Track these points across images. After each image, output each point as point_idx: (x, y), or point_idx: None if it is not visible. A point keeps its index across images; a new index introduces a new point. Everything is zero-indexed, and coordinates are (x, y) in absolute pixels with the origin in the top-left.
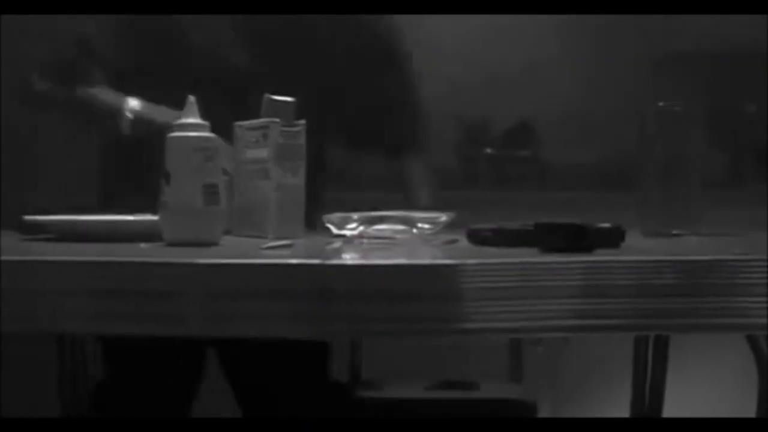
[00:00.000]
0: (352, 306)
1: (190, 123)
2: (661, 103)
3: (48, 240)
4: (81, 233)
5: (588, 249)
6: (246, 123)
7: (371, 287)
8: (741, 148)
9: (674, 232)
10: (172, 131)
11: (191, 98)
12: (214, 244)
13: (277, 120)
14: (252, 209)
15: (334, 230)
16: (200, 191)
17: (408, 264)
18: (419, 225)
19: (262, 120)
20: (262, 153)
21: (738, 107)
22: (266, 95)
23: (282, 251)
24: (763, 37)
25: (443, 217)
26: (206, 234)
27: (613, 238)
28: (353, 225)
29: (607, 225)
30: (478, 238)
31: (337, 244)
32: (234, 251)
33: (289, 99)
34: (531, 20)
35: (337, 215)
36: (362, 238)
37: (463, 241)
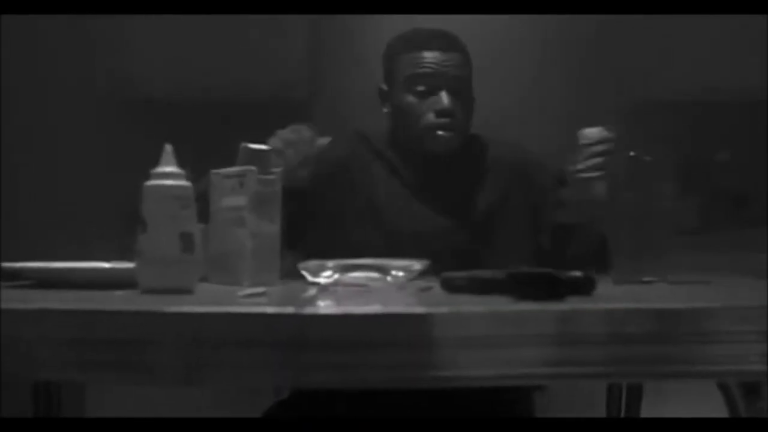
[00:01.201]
0: (327, 354)
1: (167, 171)
2: (631, 153)
3: (25, 287)
4: (57, 280)
5: (560, 297)
6: (222, 171)
7: (346, 336)
8: (712, 195)
9: (645, 279)
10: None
11: (168, 147)
12: (190, 292)
13: (254, 168)
14: (228, 257)
15: (309, 278)
16: (176, 239)
17: (383, 312)
18: (393, 273)
19: (238, 168)
20: (239, 201)
21: (710, 155)
22: (243, 143)
23: (258, 299)
24: (737, 86)
25: (417, 265)
26: (182, 282)
27: (585, 286)
28: (328, 273)
29: (578, 273)
30: (452, 285)
31: (312, 291)
32: (210, 299)
33: (265, 147)
34: (502, 64)
35: (312, 263)
36: (337, 286)
37: (438, 289)
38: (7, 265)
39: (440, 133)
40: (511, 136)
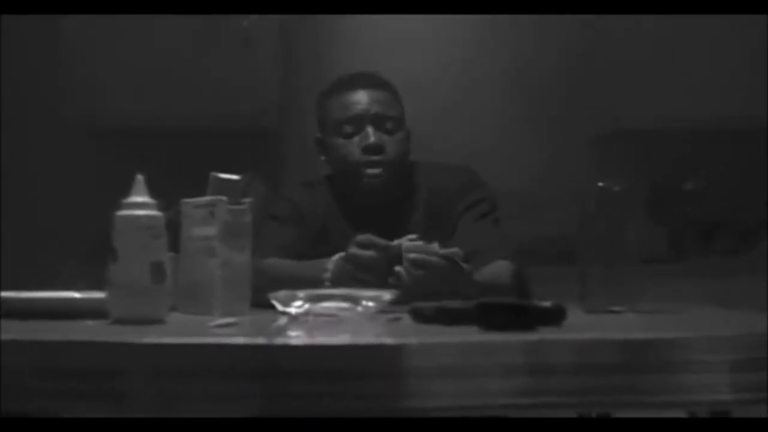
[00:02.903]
0: (297, 385)
1: (138, 201)
2: (600, 183)
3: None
4: (26, 310)
5: (530, 327)
6: (193, 201)
7: (317, 366)
8: (682, 224)
9: (614, 308)
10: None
11: (139, 177)
12: (161, 322)
13: (224, 198)
14: (198, 286)
15: (279, 307)
16: (147, 269)
17: (353, 344)
18: (364, 303)
19: (208, 198)
20: (209, 231)
21: (678, 184)
22: (212, 173)
23: (229, 329)
24: (706, 115)
25: (387, 295)
26: (153, 312)
27: (555, 316)
28: (299, 302)
29: (547, 303)
30: (421, 316)
31: (283, 321)
32: (180, 329)
33: (235, 177)
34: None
35: (282, 293)
36: (308, 316)
37: (407, 319)
38: None
39: (369, 171)
40: (481, 166)
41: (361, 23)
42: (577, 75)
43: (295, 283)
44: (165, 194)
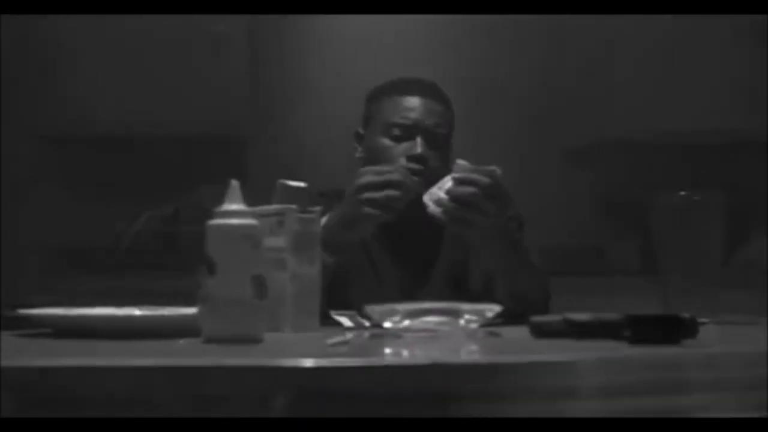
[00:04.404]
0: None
1: (234, 210)
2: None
3: (48, 336)
4: (82, 329)
5: (676, 340)
6: (258, 209)
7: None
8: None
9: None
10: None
11: (234, 182)
12: (259, 341)
13: (294, 206)
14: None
15: (346, 323)
16: (249, 283)
17: (494, 362)
18: (466, 317)
19: (276, 206)
20: (278, 242)
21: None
22: (279, 180)
23: (341, 348)
24: (688, 128)
25: (491, 311)
26: (254, 330)
27: (693, 328)
28: (396, 318)
29: (686, 315)
30: (541, 330)
31: (380, 337)
32: (292, 349)
33: (302, 184)
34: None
35: (380, 307)
36: (405, 332)
37: (508, 334)
38: (24, 311)
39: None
40: None
41: (329, 26)
42: (554, 83)
43: None
44: (131, 203)
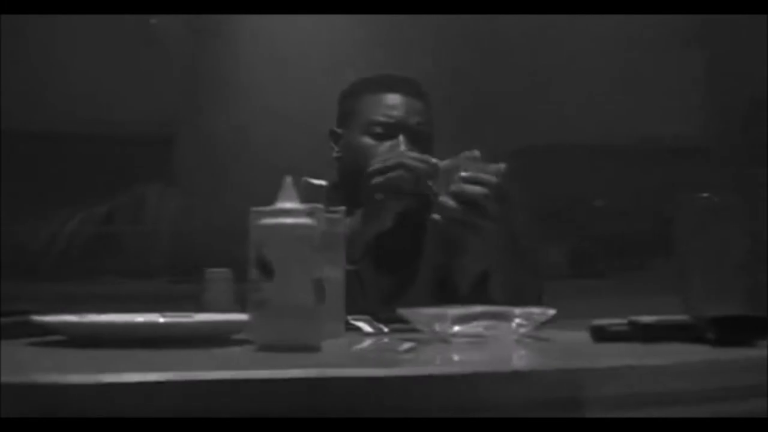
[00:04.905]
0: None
1: (290, 208)
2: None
3: (64, 344)
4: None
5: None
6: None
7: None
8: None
9: None
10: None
11: (288, 179)
12: (318, 349)
13: (321, 205)
14: None
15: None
16: (310, 287)
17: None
18: (517, 321)
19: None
20: None
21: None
22: (304, 178)
23: (409, 355)
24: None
25: (546, 313)
26: (313, 337)
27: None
28: (446, 323)
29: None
30: (602, 334)
31: (428, 342)
32: (355, 358)
33: (323, 183)
34: None
35: (427, 312)
36: (452, 337)
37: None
38: (38, 318)
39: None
40: None
41: (268, 22)
42: (483, 86)
43: None
44: (62, 202)
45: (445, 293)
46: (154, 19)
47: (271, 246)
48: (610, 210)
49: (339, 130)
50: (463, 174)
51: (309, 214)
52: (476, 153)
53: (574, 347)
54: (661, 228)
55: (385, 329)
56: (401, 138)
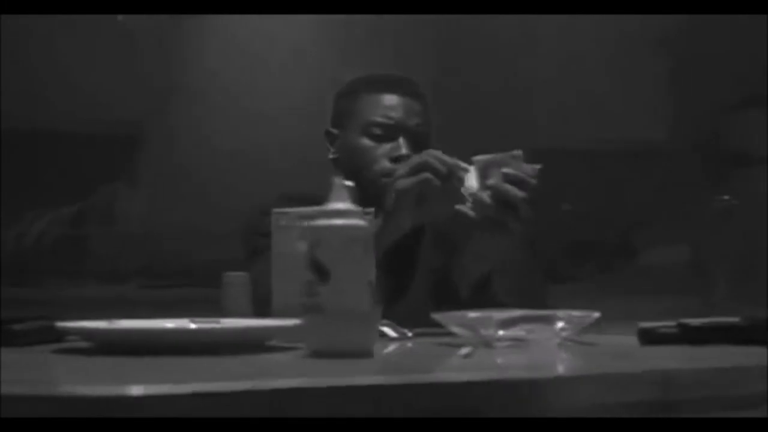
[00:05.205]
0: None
1: (342, 209)
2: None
3: (87, 352)
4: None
5: None
6: (316, 209)
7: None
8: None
9: None
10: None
11: (338, 180)
12: (371, 354)
13: (360, 208)
14: None
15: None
16: (366, 291)
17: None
18: (560, 325)
19: (338, 206)
20: None
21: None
22: (336, 178)
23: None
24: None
25: (589, 317)
26: (368, 342)
27: None
28: (493, 327)
29: None
30: (650, 336)
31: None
32: (416, 364)
33: (352, 184)
34: None
35: (473, 315)
36: (500, 341)
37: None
38: (62, 324)
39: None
40: None
41: (237, 21)
42: (455, 88)
43: None
44: (27, 202)
45: (442, 298)
46: (120, 17)
47: (324, 248)
48: (576, 214)
49: (335, 131)
50: (505, 170)
51: (362, 215)
52: (519, 152)
53: (621, 350)
54: (626, 231)
55: (409, 334)
56: (401, 140)
